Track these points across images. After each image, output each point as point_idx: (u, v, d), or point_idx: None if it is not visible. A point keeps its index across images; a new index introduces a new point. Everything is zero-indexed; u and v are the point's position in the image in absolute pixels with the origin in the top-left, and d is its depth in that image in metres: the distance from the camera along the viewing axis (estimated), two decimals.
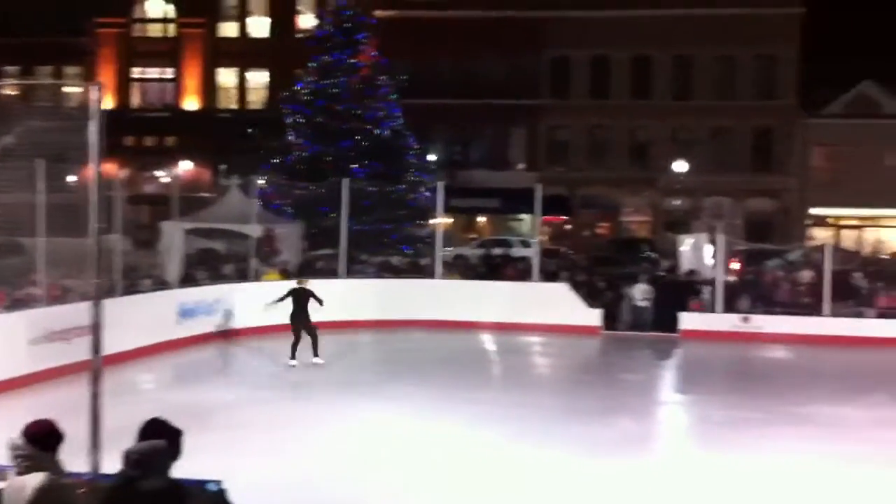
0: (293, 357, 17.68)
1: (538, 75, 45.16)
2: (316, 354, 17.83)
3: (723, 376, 20.25)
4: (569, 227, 45.45)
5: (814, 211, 43.11)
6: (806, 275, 24.78)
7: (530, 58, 44.60)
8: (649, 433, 14.48)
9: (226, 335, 20.78)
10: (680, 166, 42.31)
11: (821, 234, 40.78)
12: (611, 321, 23.78)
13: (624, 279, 25.36)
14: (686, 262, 26.34)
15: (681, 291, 24.00)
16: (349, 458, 11.79)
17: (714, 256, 24.63)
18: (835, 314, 22.87)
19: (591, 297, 24.22)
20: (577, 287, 24.30)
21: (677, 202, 43.81)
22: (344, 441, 12.63)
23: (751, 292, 24.36)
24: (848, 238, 42.08)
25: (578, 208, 44.73)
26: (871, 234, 43.02)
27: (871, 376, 18.92)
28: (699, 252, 26.06)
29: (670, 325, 23.13)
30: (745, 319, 22.99)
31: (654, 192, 44.11)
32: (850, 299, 23.68)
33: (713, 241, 25.28)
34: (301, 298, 17.79)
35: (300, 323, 17.76)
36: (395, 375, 17.75)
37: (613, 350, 22.51)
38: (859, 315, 23.32)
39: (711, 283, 23.87)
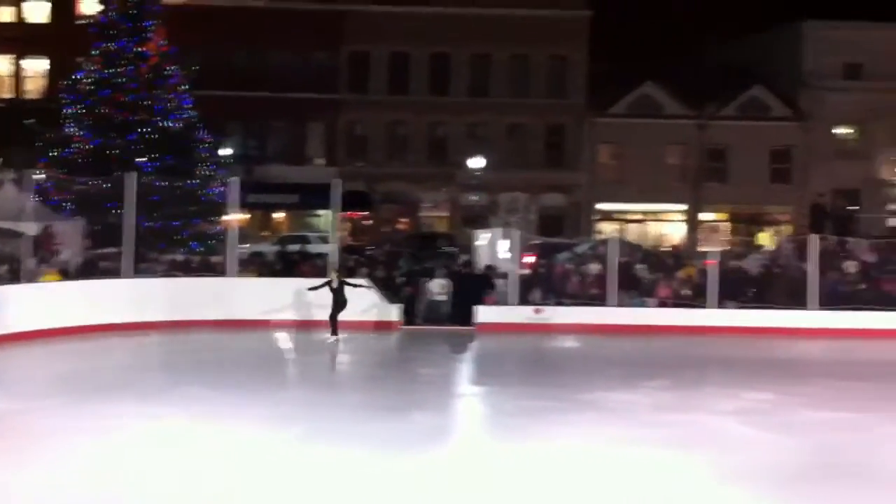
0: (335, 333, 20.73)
1: (336, 70, 44.92)
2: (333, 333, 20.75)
3: (517, 367, 20.80)
4: (368, 222, 45.52)
5: (601, 206, 45.28)
6: (594, 267, 25.94)
7: (328, 52, 44.31)
8: (446, 426, 14.61)
9: None
10: (477, 162, 43.29)
11: (608, 228, 42.91)
12: (409, 316, 23.96)
13: (422, 274, 25.61)
14: (483, 257, 26.94)
15: (477, 285, 24.51)
16: (127, 466, 11.15)
17: (509, 251, 25.34)
18: (620, 304, 24.09)
19: (389, 292, 24.30)
20: (377, 282, 24.31)
21: (475, 197, 44.82)
22: (122, 449, 11.94)
23: (543, 285, 25.24)
24: (632, 232, 44.52)
25: (378, 203, 44.89)
26: (653, 228, 45.69)
27: (653, 363, 20.00)
28: (495, 246, 26.73)
29: (467, 318, 23.58)
30: (538, 311, 23.78)
31: (452, 187, 44.92)
32: (633, 289, 25.00)
33: (509, 236, 26.02)
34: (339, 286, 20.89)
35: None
36: (185, 378, 17.04)
37: (411, 345, 22.69)
38: (642, 304, 24.67)
39: (506, 276, 24.54)
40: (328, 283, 20.88)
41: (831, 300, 24.29)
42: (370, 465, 11.51)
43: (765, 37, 45.71)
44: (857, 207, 43.88)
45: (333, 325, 20.67)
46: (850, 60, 44.79)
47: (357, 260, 27.49)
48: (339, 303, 20.72)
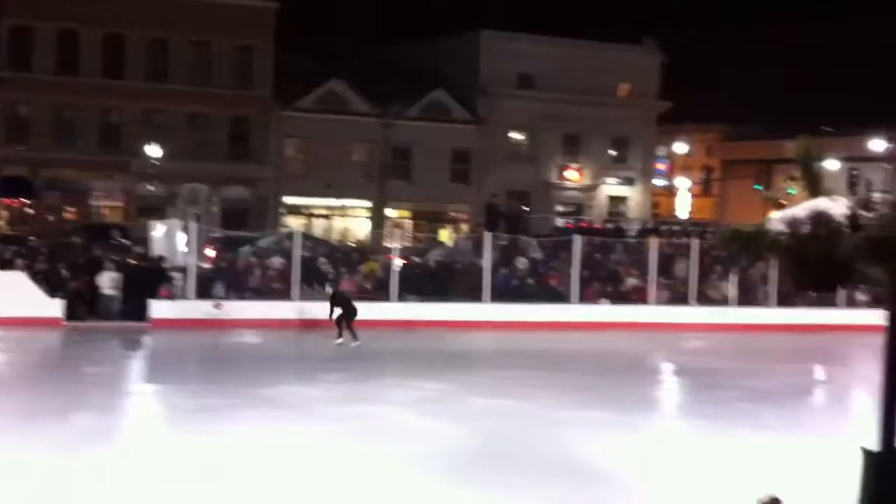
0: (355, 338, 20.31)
1: None
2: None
3: (194, 364, 20.21)
4: (30, 210, 42.09)
5: (287, 200, 45.14)
6: (276, 261, 25.77)
7: None
8: (115, 427, 13.86)
9: None
10: (154, 151, 41.48)
11: (294, 223, 42.84)
12: (75, 311, 22.42)
13: (91, 267, 24.04)
14: (158, 249, 25.83)
15: (151, 279, 23.46)
16: None
17: (188, 243, 24.50)
18: (303, 298, 24.12)
19: (52, 286, 22.61)
20: (37, 276, 22.52)
21: (152, 187, 42.90)
22: None
23: (224, 279, 24.68)
24: (318, 227, 44.82)
25: (42, 191, 41.59)
26: (339, 224, 46.29)
27: (332, 357, 20.21)
28: (172, 239, 25.74)
29: (140, 313, 22.51)
30: (218, 306, 23.22)
31: (127, 176, 42.65)
32: (317, 284, 25.12)
33: (187, 228, 25.16)
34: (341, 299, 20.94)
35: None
36: None
37: (77, 342, 21.29)
38: (324, 299, 24.83)
39: (184, 270, 23.71)
40: (333, 297, 21.10)
41: (503, 294, 25.91)
42: (37, 468, 10.73)
43: (446, 43, 47.89)
44: (528, 208, 47.24)
45: (342, 330, 20.64)
46: (523, 70, 48.15)
47: (15, 251, 25.26)
48: (349, 311, 20.67)
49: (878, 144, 39.81)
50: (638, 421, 14.95)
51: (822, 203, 6.27)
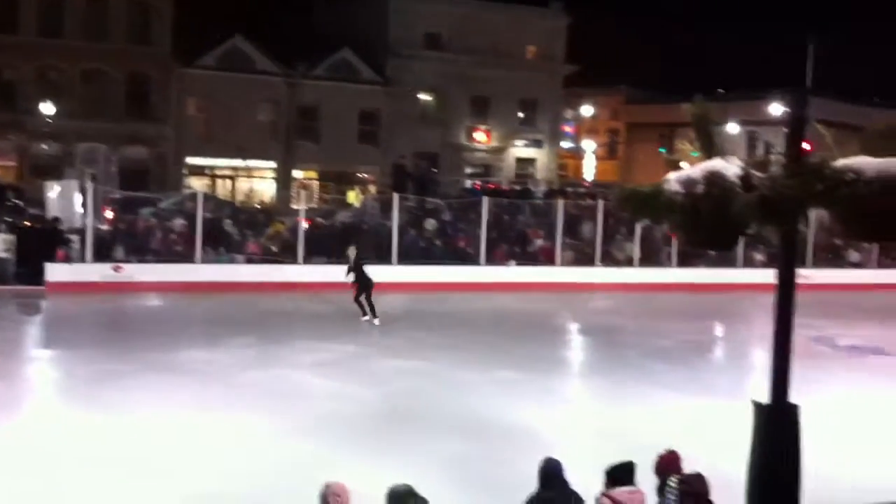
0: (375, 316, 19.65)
1: None
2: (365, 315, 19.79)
3: (92, 329, 19.72)
4: None
5: (190, 160, 44.20)
6: (178, 223, 25.28)
7: None
8: (12, 394, 13.47)
9: None
10: (49, 109, 40.06)
11: (197, 183, 42.02)
12: None
13: None
14: (53, 210, 25.04)
15: (46, 241, 22.75)
16: None
17: (84, 204, 23.82)
18: (206, 261, 23.75)
19: None
20: None
21: (46, 147, 41.46)
22: None
23: (124, 241, 24.10)
24: (222, 187, 44.07)
25: None
26: (243, 184, 45.58)
27: (239, 320, 20.00)
28: (69, 200, 24.98)
29: (35, 277, 21.85)
30: (117, 269, 22.69)
31: (20, 134, 41.11)
32: (221, 246, 24.77)
33: (84, 189, 24.45)
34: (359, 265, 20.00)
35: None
36: None
37: None
38: (230, 261, 24.54)
39: (82, 232, 23.08)
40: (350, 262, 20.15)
41: (411, 255, 25.97)
42: None
43: (355, 2, 47.31)
44: (436, 170, 47.29)
45: (362, 306, 19.99)
46: (431, 30, 47.93)
47: None
48: (364, 283, 20.06)
49: (776, 108, 41.11)
50: (544, 380, 15.26)
51: (716, 164, 6.44)
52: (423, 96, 48.81)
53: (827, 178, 6.38)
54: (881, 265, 30.37)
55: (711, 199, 6.29)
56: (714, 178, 6.35)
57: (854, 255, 30.43)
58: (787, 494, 6.19)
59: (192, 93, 44.19)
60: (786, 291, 6.42)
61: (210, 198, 30.50)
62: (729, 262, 27.62)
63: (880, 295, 27.68)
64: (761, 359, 15.03)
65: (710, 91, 44.95)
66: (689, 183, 6.48)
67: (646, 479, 7.06)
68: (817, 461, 9.84)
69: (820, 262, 29.28)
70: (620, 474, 6.62)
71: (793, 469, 6.20)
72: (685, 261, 27.97)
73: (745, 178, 6.46)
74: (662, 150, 53.36)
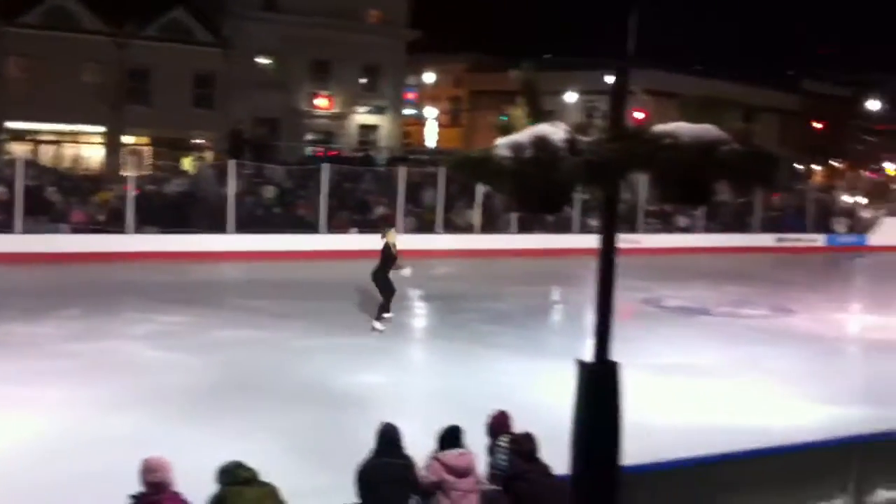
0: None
1: None
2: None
3: None
4: None
5: (10, 125, 41.78)
6: None
7: None
8: None
9: None
10: None
11: (18, 149, 39.76)
12: None
13: None
14: None
15: None
16: None
17: None
18: (28, 231, 22.60)
19: None
20: None
21: None
22: None
23: None
24: (46, 153, 41.91)
25: None
26: (70, 150, 43.49)
27: (65, 292, 19.17)
28: None
29: None
30: None
31: None
32: (43, 215, 23.62)
33: None
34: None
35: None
36: None
37: None
38: (54, 231, 23.44)
39: None
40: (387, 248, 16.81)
41: (248, 224, 25.50)
42: None
43: None
44: (276, 136, 46.43)
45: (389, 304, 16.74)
46: None
47: None
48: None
49: (611, 78, 42.24)
50: (384, 345, 15.37)
51: (542, 129, 6.60)
52: (262, 60, 47.71)
53: (646, 142, 6.65)
54: (708, 230, 31.95)
55: (538, 164, 6.45)
56: (541, 143, 6.51)
57: (682, 220, 31.91)
58: (607, 448, 6.47)
59: (13, 52, 41.69)
60: (607, 253, 6.67)
61: (32, 164, 28.96)
62: (566, 228, 28.48)
63: (707, 258, 29.17)
64: (593, 320, 15.62)
65: (546, 58, 46.00)
66: (517, 147, 6.62)
67: (482, 440, 7.27)
68: (643, 415, 10.35)
69: (650, 227, 30.61)
70: (450, 437, 6.77)
71: (613, 424, 6.48)
72: (525, 227, 28.64)
73: (571, 143, 6.65)
74: (504, 118, 54.14)
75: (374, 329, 16.27)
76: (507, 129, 6.77)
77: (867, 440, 9.15)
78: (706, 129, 6.70)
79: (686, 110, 7.05)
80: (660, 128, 6.86)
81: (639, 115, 28.49)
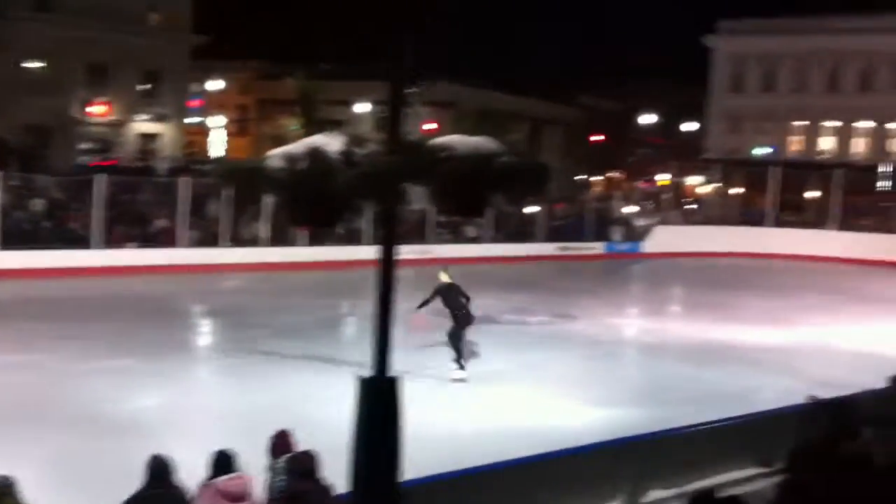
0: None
1: None
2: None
3: None
4: None
5: None
6: None
7: None
8: None
9: None
10: None
11: None
12: None
13: None
14: None
15: None
16: None
17: None
18: None
19: None
20: None
21: None
22: None
23: None
24: None
25: None
26: None
27: None
28: None
29: None
30: None
31: None
32: None
33: None
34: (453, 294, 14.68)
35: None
36: None
37: None
38: None
39: None
40: (441, 291, 14.82)
41: (16, 239, 23.90)
42: None
43: None
44: (47, 145, 43.74)
45: (461, 353, 14.54)
46: None
47: None
48: (464, 319, 14.72)
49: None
50: (165, 367, 14.75)
51: (317, 140, 6.50)
52: (33, 63, 44.91)
53: (423, 154, 6.68)
54: (495, 239, 32.87)
55: (312, 176, 6.35)
56: (315, 155, 6.41)
57: (471, 230, 32.65)
58: (387, 465, 6.43)
59: None
60: (387, 266, 6.64)
61: None
62: (357, 239, 28.46)
63: (495, 267, 29.99)
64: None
65: (327, 67, 45.71)
66: (291, 159, 6.49)
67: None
68: (430, 425, 10.42)
69: (440, 238, 31.13)
70: (221, 462, 6.52)
71: (393, 440, 6.45)
72: (315, 239, 28.38)
73: (348, 155, 6.59)
74: (295, 128, 53.50)
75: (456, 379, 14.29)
76: (280, 140, 6.64)
77: (642, 440, 9.60)
78: (481, 142, 6.82)
79: (462, 123, 7.17)
80: (437, 140, 6.93)
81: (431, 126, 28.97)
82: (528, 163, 6.87)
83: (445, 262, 28.37)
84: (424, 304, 15.03)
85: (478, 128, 7.06)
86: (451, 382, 14.04)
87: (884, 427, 7.38)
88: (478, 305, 21.97)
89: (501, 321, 20.49)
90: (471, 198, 6.71)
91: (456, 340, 14.58)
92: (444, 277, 15.20)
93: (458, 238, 32.42)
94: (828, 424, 7.09)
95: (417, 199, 7.09)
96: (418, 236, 30.14)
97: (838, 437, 6.60)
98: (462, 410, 12.66)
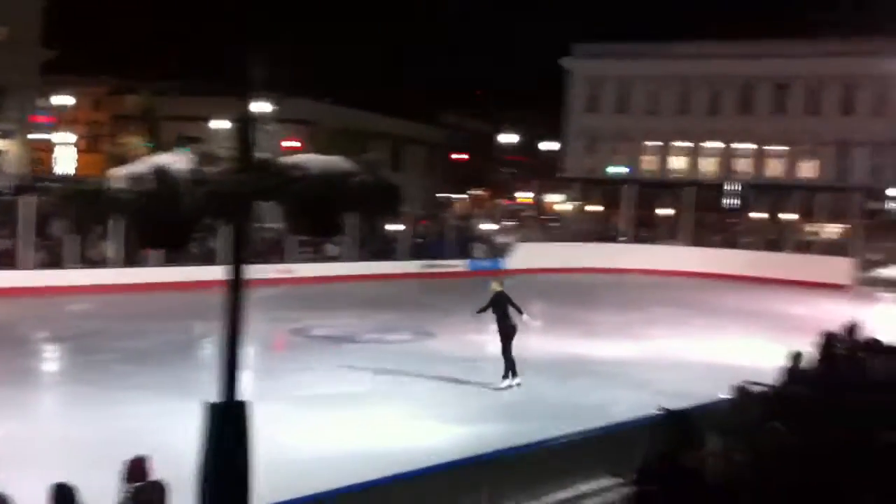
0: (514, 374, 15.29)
1: None
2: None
3: None
4: None
5: None
6: None
7: None
8: None
9: None
10: None
11: None
12: None
13: None
14: None
15: None
16: None
17: None
18: None
19: None
20: None
21: None
22: None
23: None
24: None
25: None
26: None
27: None
28: None
29: None
30: None
31: None
32: None
33: None
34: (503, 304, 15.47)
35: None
36: None
37: None
38: None
39: None
40: (494, 301, 15.67)
41: None
42: None
43: None
44: None
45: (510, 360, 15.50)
46: None
47: None
48: (509, 328, 15.59)
49: (262, 106, 41.88)
50: (9, 396, 14.04)
51: (163, 159, 6.35)
52: None
53: (275, 173, 6.63)
54: (358, 257, 32.73)
55: (158, 197, 6.20)
56: (160, 175, 6.27)
57: (332, 249, 32.42)
58: (234, 493, 6.30)
59: None
60: (235, 288, 6.53)
61: None
62: (211, 259, 27.79)
63: (357, 285, 29.88)
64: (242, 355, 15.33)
65: (175, 84, 44.49)
66: (136, 179, 6.32)
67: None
68: (289, 449, 10.28)
69: (301, 256, 30.81)
70: (60, 496, 6.25)
71: (241, 468, 6.33)
72: (170, 259, 27.58)
73: (196, 173, 6.47)
74: (149, 144, 51.93)
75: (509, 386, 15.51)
76: (122, 159, 6.46)
77: (497, 456, 9.72)
78: (335, 161, 6.81)
79: (317, 141, 7.14)
80: (289, 159, 6.88)
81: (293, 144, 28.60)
82: (381, 182, 6.89)
83: (306, 281, 28.51)
84: (482, 310, 16.11)
85: (333, 146, 7.05)
86: (308, 404, 13.89)
87: (728, 436, 7.71)
88: (339, 325, 22.02)
89: (362, 340, 20.44)
90: (324, 217, 6.68)
91: (506, 352, 15.61)
92: (497, 287, 16.11)
93: (320, 257, 32.15)
94: (673, 435, 7.34)
95: (274, 217, 7.02)
96: (278, 255, 29.77)
97: (681, 447, 6.85)
98: (317, 433, 12.52)
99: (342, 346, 19.92)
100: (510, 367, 15.61)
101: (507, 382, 15.58)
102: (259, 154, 6.80)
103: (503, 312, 15.76)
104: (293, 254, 30.41)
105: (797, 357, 10.68)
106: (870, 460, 6.52)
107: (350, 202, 6.64)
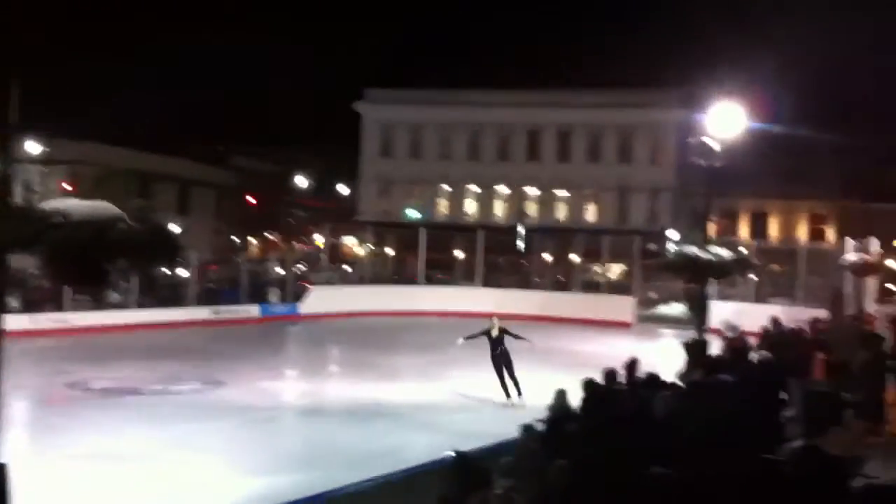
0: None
1: None
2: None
3: None
4: None
5: None
6: None
7: None
8: None
9: None
10: None
11: None
12: None
13: None
14: None
15: None
16: None
17: None
18: None
19: None
20: None
21: None
22: None
23: None
24: None
25: None
26: None
27: None
28: None
29: None
30: None
31: None
32: None
33: None
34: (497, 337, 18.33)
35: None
36: None
37: None
38: None
39: None
40: (487, 332, 18.71)
41: None
42: None
43: None
44: None
45: (506, 386, 18.27)
46: None
47: None
48: (500, 358, 18.36)
49: (33, 147, 39.50)
50: None
51: None
52: None
53: (34, 221, 6.21)
54: (142, 305, 31.36)
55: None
56: None
57: (114, 296, 30.88)
58: None
59: None
60: None
61: None
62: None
63: (142, 334, 28.59)
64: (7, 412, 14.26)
65: None
66: None
67: None
68: None
69: (79, 305, 29.13)
70: None
71: None
72: None
73: None
74: None
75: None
76: None
77: None
78: (101, 207, 6.46)
79: (81, 185, 6.76)
80: (51, 204, 6.48)
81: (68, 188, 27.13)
82: (153, 228, 6.58)
83: (85, 332, 27.07)
84: (472, 337, 19.33)
85: (102, 189, 6.69)
86: (87, 461, 13.05)
87: (512, 477, 7.80)
88: (120, 377, 20.92)
89: (146, 392, 19.52)
90: (87, 267, 6.30)
91: (500, 378, 18.42)
92: (494, 322, 19.31)
93: (101, 305, 30.51)
94: (459, 478, 7.37)
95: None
96: (55, 304, 28.11)
97: (467, 490, 6.87)
98: (87, 495, 11.76)
99: (124, 398, 18.94)
100: (505, 390, 18.37)
101: (521, 400, 18.11)
102: (17, 200, 6.37)
103: (495, 343, 18.81)
104: (69, 302, 28.70)
105: (562, 395, 11.02)
106: (643, 497, 6.76)
107: (116, 250, 6.29)
